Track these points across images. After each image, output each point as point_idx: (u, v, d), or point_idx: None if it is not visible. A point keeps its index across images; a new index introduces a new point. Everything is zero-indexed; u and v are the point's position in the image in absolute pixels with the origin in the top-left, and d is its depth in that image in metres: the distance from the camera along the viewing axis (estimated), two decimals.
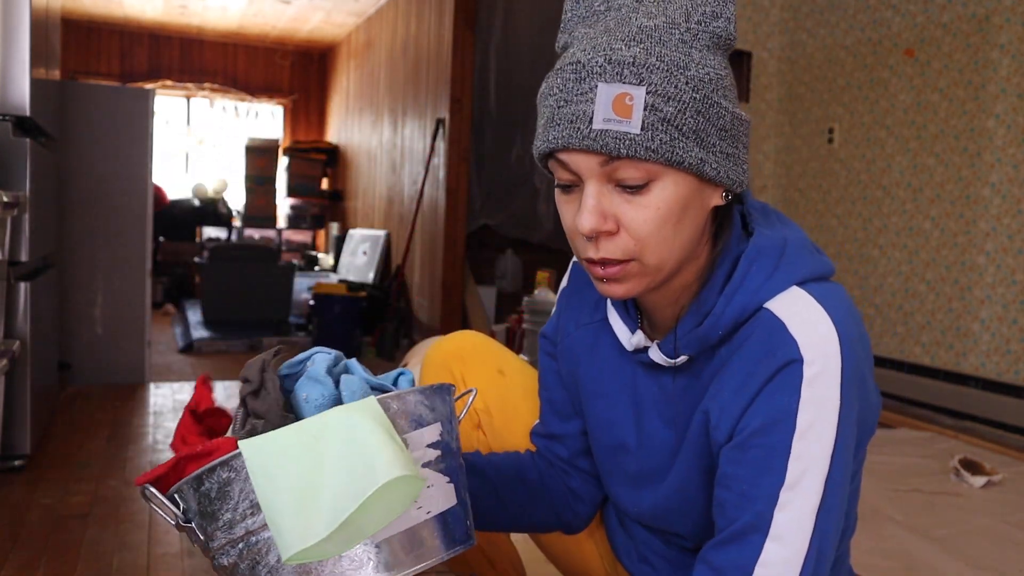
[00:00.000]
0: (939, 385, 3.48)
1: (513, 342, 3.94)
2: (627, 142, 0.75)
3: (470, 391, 0.94)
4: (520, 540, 1.32)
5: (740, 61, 4.43)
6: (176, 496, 0.79)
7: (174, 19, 6.73)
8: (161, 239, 6.22)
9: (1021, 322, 3.20)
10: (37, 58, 2.24)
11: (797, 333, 0.78)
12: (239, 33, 7.21)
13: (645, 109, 0.74)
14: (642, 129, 0.74)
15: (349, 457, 0.72)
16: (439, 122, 4.46)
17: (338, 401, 0.86)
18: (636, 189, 0.77)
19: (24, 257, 2.18)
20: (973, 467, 2.51)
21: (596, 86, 0.75)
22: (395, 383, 0.91)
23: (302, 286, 5.41)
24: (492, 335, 3.83)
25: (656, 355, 0.89)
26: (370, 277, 5.35)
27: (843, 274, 4.02)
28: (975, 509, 2.24)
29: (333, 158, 7.26)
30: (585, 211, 0.78)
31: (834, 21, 4.15)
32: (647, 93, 0.74)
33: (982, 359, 3.34)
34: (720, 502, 0.81)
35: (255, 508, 0.74)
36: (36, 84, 2.20)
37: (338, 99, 7.24)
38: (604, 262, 0.80)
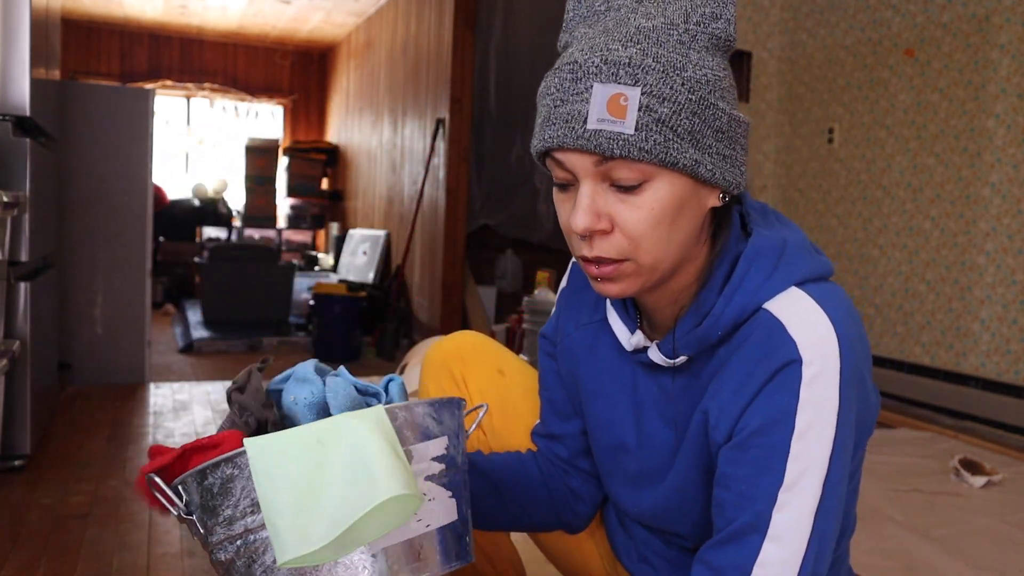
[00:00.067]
0: (939, 385, 3.48)
1: (513, 342, 3.94)
2: (620, 142, 0.75)
3: (481, 407, 0.94)
4: (520, 540, 1.32)
5: (740, 61, 4.43)
6: (180, 488, 0.79)
7: (174, 19, 6.73)
8: (161, 239, 6.22)
9: (1021, 322, 3.20)
10: (37, 58, 2.24)
11: (796, 334, 0.78)
12: (239, 33, 7.21)
13: (640, 110, 0.75)
14: (636, 130, 0.75)
15: (352, 467, 0.72)
16: (439, 122, 4.46)
17: (325, 399, 0.86)
18: (630, 189, 0.77)
19: (24, 257, 2.18)
20: (973, 467, 2.51)
21: (591, 86, 0.76)
22: (386, 389, 0.91)
23: (302, 286, 5.41)
24: (492, 335, 3.83)
25: (655, 355, 0.89)
26: (370, 277, 5.35)
27: (843, 274, 4.02)
28: (975, 509, 2.24)
29: (333, 158, 7.26)
30: (579, 210, 0.78)
31: (834, 21, 4.15)
32: (642, 94, 0.75)
33: (982, 359, 3.34)
34: (719, 502, 0.81)
35: (256, 507, 0.74)
36: (36, 84, 2.20)
37: (338, 99, 7.24)
38: (598, 261, 0.81)
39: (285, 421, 0.88)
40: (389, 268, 5.32)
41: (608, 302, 0.97)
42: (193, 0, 6.12)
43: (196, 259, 5.53)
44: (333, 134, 7.43)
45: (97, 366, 3.27)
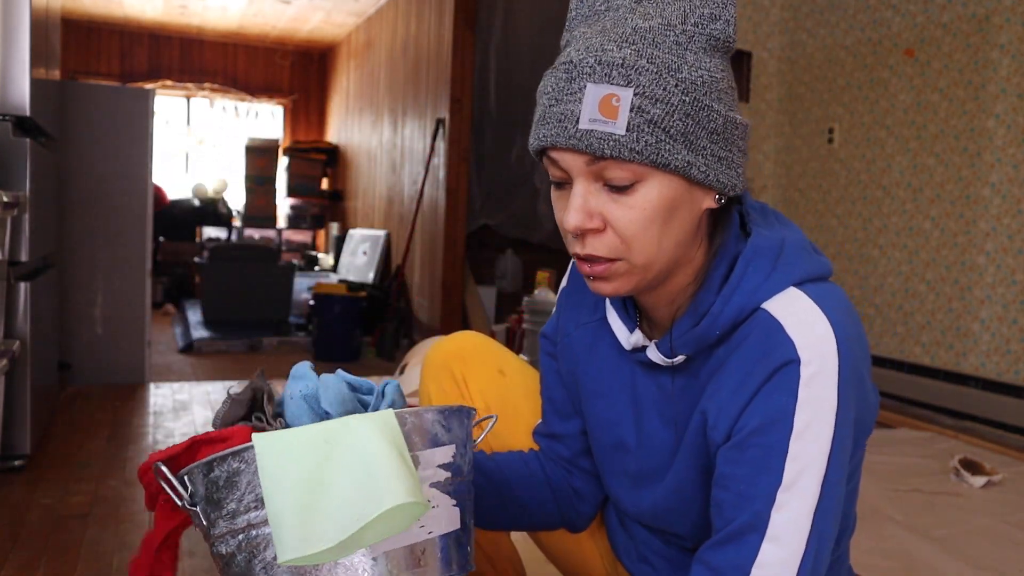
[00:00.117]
0: (939, 385, 3.48)
1: (513, 342, 3.94)
2: (611, 143, 0.75)
3: (490, 417, 0.94)
4: (520, 540, 1.32)
5: (740, 61, 4.43)
6: (186, 478, 0.79)
7: (174, 19, 6.73)
8: (161, 239, 6.22)
9: (1021, 322, 3.20)
10: (37, 58, 2.24)
11: (794, 333, 0.78)
12: (239, 33, 7.21)
13: (631, 111, 0.75)
14: (627, 130, 0.75)
15: (358, 470, 0.72)
16: (439, 122, 4.46)
17: (318, 393, 0.87)
18: (623, 189, 0.78)
19: (24, 257, 2.18)
20: (973, 467, 2.51)
21: (585, 86, 0.76)
22: (383, 392, 0.91)
23: (302, 286, 5.41)
24: (492, 335, 3.83)
25: (654, 354, 0.90)
26: (370, 277, 5.35)
27: (843, 274, 4.02)
28: (975, 509, 2.24)
29: (333, 158, 7.26)
30: (572, 209, 0.79)
31: (834, 21, 4.15)
32: (634, 95, 0.75)
33: (982, 359, 3.34)
34: (717, 502, 0.81)
35: (260, 503, 0.75)
36: (36, 84, 2.20)
37: (338, 99, 7.24)
38: (590, 259, 0.81)
39: (279, 420, 0.88)
40: (389, 268, 5.32)
41: (608, 301, 0.97)
42: (193, 0, 6.12)
43: (196, 259, 5.53)
44: (333, 134, 7.43)
45: (97, 366, 3.27)
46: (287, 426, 0.87)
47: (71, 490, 2.10)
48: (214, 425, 0.89)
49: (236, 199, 7.32)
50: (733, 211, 0.87)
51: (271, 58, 7.65)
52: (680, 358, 0.88)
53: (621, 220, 0.78)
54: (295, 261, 6.48)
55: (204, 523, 0.78)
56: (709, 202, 0.82)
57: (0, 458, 2.18)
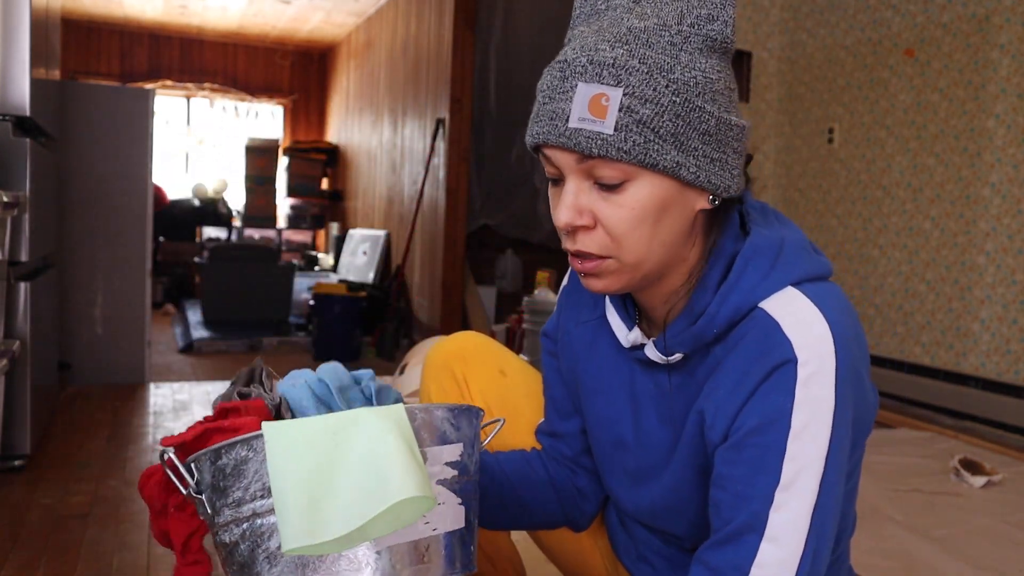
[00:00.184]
0: (939, 385, 3.48)
1: (513, 342, 3.94)
2: (599, 142, 0.76)
3: (498, 420, 0.94)
4: (520, 539, 1.32)
5: (740, 61, 4.43)
6: (193, 466, 0.79)
7: (174, 19, 6.73)
8: (161, 239, 6.22)
9: (1021, 322, 3.20)
10: (37, 58, 2.24)
11: (791, 333, 0.78)
12: (239, 33, 7.21)
13: (620, 110, 0.75)
14: (616, 130, 0.76)
15: (367, 464, 0.72)
16: (439, 122, 4.46)
17: (318, 377, 0.88)
18: (612, 188, 0.79)
19: (24, 257, 2.18)
20: (973, 467, 2.51)
21: (576, 85, 0.77)
22: (377, 396, 0.92)
23: (302, 286, 5.41)
24: (492, 335, 3.83)
25: (652, 352, 0.90)
26: (370, 277, 5.35)
27: (843, 274, 4.02)
28: (975, 509, 2.24)
29: (333, 158, 7.26)
30: (562, 206, 0.80)
31: (834, 21, 4.15)
32: (624, 95, 0.75)
33: (982, 359, 3.34)
34: (715, 502, 0.81)
35: (266, 492, 0.75)
36: (36, 84, 2.20)
37: (338, 99, 7.24)
38: (581, 255, 0.82)
39: (282, 409, 0.89)
40: (389, 268, 5.32)
41: (607, 300, 0.97)
42: (193, 0, 6.12)
43: (196, 259, 5.53)
44: (333, 134, 7.43)
45: (97, 366, 3.27)
46: (291, 411, 0.88)
47: (71, 490, 2.10)
48: (213, 406, 0.89)
49: (236, 199, 7.32)
50: (733, 211, 0.87)
51: (271, 58, 7.65)
52: (677, 356, 0.88)
53: (611, 218, 0.79)
54: (295, 261, 6.48)
55: (209, 511, 0.78)
56: (703, 203, 0.82)
57: (0, 458, 2.19)
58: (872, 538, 1.98)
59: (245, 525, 0.76)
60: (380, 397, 0.92)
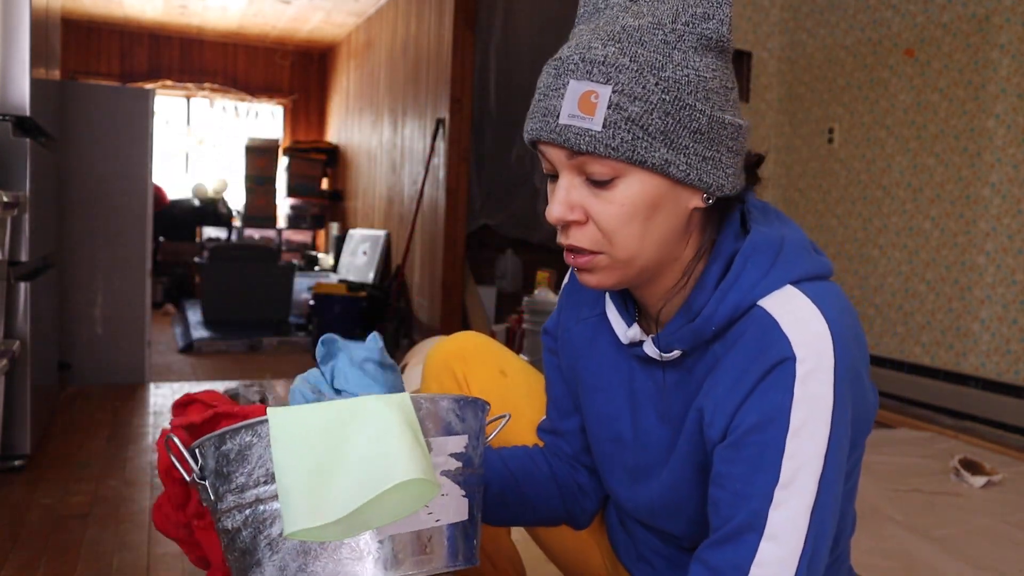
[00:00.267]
0: (939, 385, 3.48)
1: (513, 342, 3.94)
2: (587, 138, 0.77)
3: (504, 416, 0.95)
4: (520, 539, 1.33)
5: (740, 61, 4.43)
6: (197, 451, 0.79)
7: (174, 19, 6.73)
8: (161, 239, 6.22)
9: (1021, 322, 3.20)
10: (37, 58, 2.24)
11: (790, 331, 0.78)
12: (239, 33, 7.21)
13: (609, 107, 0.76)
14: (604, 127, 0.76)
15: (372, 448, 0.72)
16: (439, 122, 4.46)
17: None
18: (603, 184, 0.80)
19: (24, 257, 2.18)
20: (973, 467, 2.51)
21: (568, 83, 0.78)
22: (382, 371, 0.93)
23: (302, 286, 5.41)
24: (492, 335, 3.83)
25: (651, 349, 0.90)
26: (370, 277, 5.35)
27: (843, 274, 4.02)
28: (975, 509, 2.24)
29: (333, 158, 7.26)
30: (555, 201, 0.82)
31: (834, 21, 4.15)
32: (613, 92, 0.76)
33: (982, 359, 3.34)
34: (714, 501, 0.81)
35: (270, 477, 0.75)
36: (36, 84, 2.20)
37: (338, 99, 7.24)
38: (573, 250, 0.83)
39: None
40: (389, 268, 5.32)
41: (607, 296, 0.97)
42: (193, 0, 6.12)
43: (196, 259, 5.53)
44: (333, 134, 7.43)
45: (97, 366, 3.27)
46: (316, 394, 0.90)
47: (71, 490, 2.10)
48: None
49: (236, 199, 7.32)
50: (734, 210, 0.87)
51: (271, 58, 7.65)
52: (675, 353, 0.88)
53: (602, 214, 0.80)
54: (295, 261, 6.48)
55: (211, 497, 0.78)
56: (697, 201, 0.82)
57: (0, 458, 2.18)
58: (872, 538, 1.98)
59: (248, 511, 0.76)
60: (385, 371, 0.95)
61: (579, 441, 1.09)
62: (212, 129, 7.66)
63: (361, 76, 6.41)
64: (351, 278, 5.49)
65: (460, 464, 0.80)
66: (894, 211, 3.78)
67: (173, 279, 6.03)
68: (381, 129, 5.77)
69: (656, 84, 0.77)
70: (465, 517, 0.81)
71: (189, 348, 4.32)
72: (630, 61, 0.77)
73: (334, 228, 6.99)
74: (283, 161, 7.21)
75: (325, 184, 7.34)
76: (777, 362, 0.78)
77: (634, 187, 0.79)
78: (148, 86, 5.97)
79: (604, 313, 0.99)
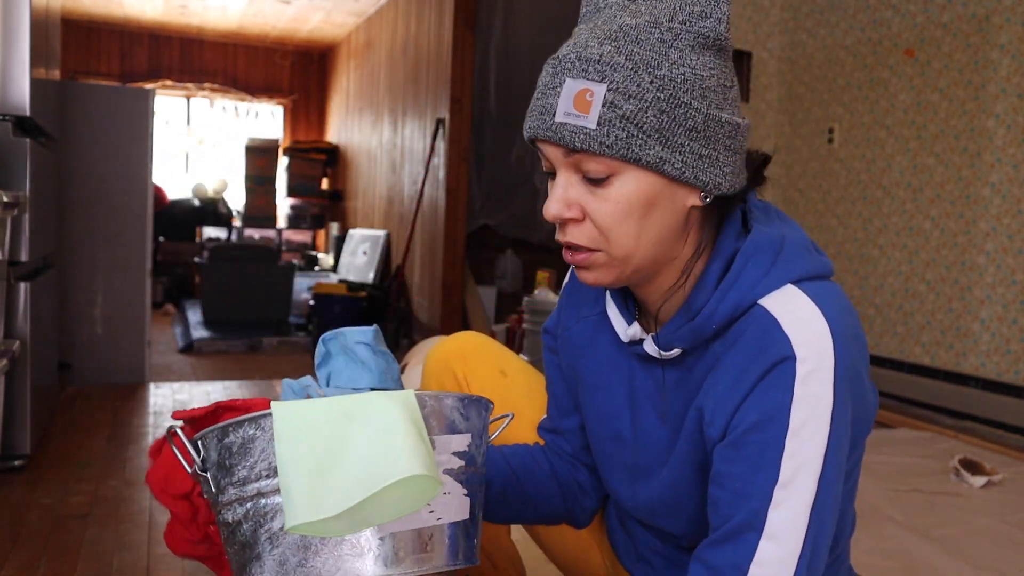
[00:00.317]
0: (939, 385, 3.48)
1: (513, 342, 3.94)
2: (582, 136, 0.77)
3: (507, 416, 0.95)
4: (520, 539, 1.33)
5: (740, 61, 4.43)
6: (199, 444, 0.79)
7: (174, 19, 6.73)
8: (161, 239, 6.22)
9: (1021, 322, 3.20)
10: (37, 58, 2.24)
11: (790, 330, 0.78)
12: (239, 33, 7.21)
13: (604, 106, 0.77)
14: (598, 125, 0.77)
15: (375, 444, 0.72)
16: (439, 122, 4.46)
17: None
18: (599, 182, 0.80)
19: (24, 257, 2.18)
20: (973, 467, 2.51)
21: (564, 81, 0.79)
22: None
23: (302, 286, 5.41)
24: (492, 335, 3.83)
25: (651, 347, 0.90)
26: (370, 277, 5.35)
27: (843, 274, 4.02)
28: (975, 509, 2.24)
29: (333, 158, 7.25)
30: (552, 198, 0.82)
31: (834, 21, 4.15)
32: (608, 90, 0.77)
33: (982, 359, 3.34)
34: (714, 500, 0.81)
35: (272, 471, 0.74)
36: (36, 84, 2.20)
37: (338, 99, 7.24)
38: (571, 247, 0.84)
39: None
40: (389, 268, 5.32)
41: (608, 295, 0.97)
42: (193, 0, 6.12)
43: (196, 259, 5.53)
44: (333, 134, 7.43)
45: (97, 366, 3.27)
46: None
47: (71, 490, 2.10)
48: None
49: (236, 199, 7.32)
50: (735, 209, 0.87)
51: (271, 58, 7.65)
52: (675, 352, 0.88)
53: (598, 212, 0.81)
54: (295, 261, 6.48)
55: (213, 490, 0.78)
56: (694, 200, 0.82)
57: (0, 458, 2.18)
58: (872, 538, 1.98)
59: (249, 504, 0.76)
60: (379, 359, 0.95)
61: (579, 440, 1.09)
62: (212, 129, 7.66)
63: (361, 76, 6.41)
64: (351, 278, 5.49)
65: (463, 463, 0.80)
66: (894, 211, 3.78)
67: (173, 279, 6.03)
68: (381, 129, 5.77)
69: (651, 82, 0.77)
70: (466, 516, 0.80)
71: (189, 348, 4.32)
72: (625, 59, 0.77)
73: (334, 228, 6.99)
74: (283, 161, 7.21)
75: (325, 184, 7.34)
76: (777, 361, 0.78)
77: (629, 185, 0.79)
78: (148, 86, 5.97)
79: (604, 312, 0.99)
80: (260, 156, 6.94)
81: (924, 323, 3.62)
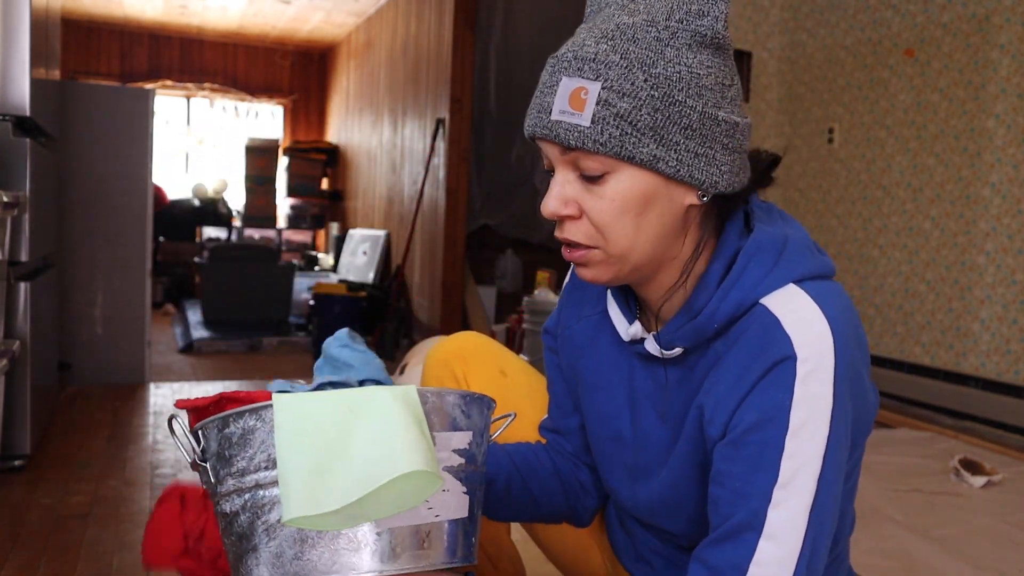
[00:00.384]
0: (939, 385, 3.48)
1: (513, 342, 3.94)
2: (576, 134, 0.78)
3: (509, 415, 0.95)
4: (520, 539, 1.33)
5: (740, 61, 4.43)
6: (200, 433, 0.79)
7: (174, 19, 6.73)
8: (161, 239, 6.22)
9: (1021, 322, 3.20)
10: (37, 58, 2.24)
11: (791, 330, 0.78)
12: (239, 33, 7.21)
13: (598, 104, 0.77)
14: (592, 122, 0.78)
15: (376, 439, 0.72)
16: (439, 122, 4.46)
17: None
18: (595, 179, 0.81)
19: (24, 257, 2.18)
20: (973, 467, 2.51)
21: (560, 79, 0.80)
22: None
23: (302, 286, 5.41)
24: (492, 335, 3.83)
25: (652, 346, 0.90)
26: (370, 277, 5.35)
27: (843, 274, 4.02)
28: (975, 509, 2.24)
29: (333, 158, 7.26)
30: (549, 195, 0.83)
31: (834, 21, 4.15)
32: (602, 88, 0.77)
33: (982, 359, 3.34)
34: (714, 499, 0.81)
35: (271, 463, 0.74)
36: (36, 84, 2.20)
37: (338, 99, 7.24)
38: (569, 244, 0.85)
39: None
40: (389, 268, 5.32)
41: (609, 294, 0.97)
42: (193, 0, 6.12)
43: (196, 259, 5.53)
44: (333, 134, 7.43)
45: (97, 366, 3.27)
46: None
47: (71, 490, 2.10)
48: None
49: (236, 199, 7.32)
50: (737, 208, 0.87)
51: (271, 58, 7.65)
52: (676, 351, 0.88)
53: (594, 209, 0.81)
54: (295, 261, 6.48)
55: (212, 480, 0.78)
56: (692, 199, 0.82)
57: (0, 458, 2.19)
58: (872, 538, 1.98)
59: (247, 495, 0.76)
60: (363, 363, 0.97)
61: (580, 439, 1.09)
62: (212, 129, 7.66)
63: (361, 76, 6.41)
64: (351, 278, 5.49)
65: (463, 460, 0.80)
66: (894, 211, 3.78)
67: (173, 279, 6.03)
68: (381, 129, 5.77)
69: (645, 80, 0.77)
70: (465, 514, 0.80)
71: (189, 348, 4.32)
72: (620, 58, 0.77)
73: (334, 228, 6.99)
74: (283, 161, 7.21)
75: (325, 184, 7.34)
76: (778, 361, 0.78)
77: (624, 182, 0.80)
78: (148, 86, 5.97)
79: (605, 311, 0.99)
80: (260, 156, 6.94)
81: (924, 323, 3.62)
